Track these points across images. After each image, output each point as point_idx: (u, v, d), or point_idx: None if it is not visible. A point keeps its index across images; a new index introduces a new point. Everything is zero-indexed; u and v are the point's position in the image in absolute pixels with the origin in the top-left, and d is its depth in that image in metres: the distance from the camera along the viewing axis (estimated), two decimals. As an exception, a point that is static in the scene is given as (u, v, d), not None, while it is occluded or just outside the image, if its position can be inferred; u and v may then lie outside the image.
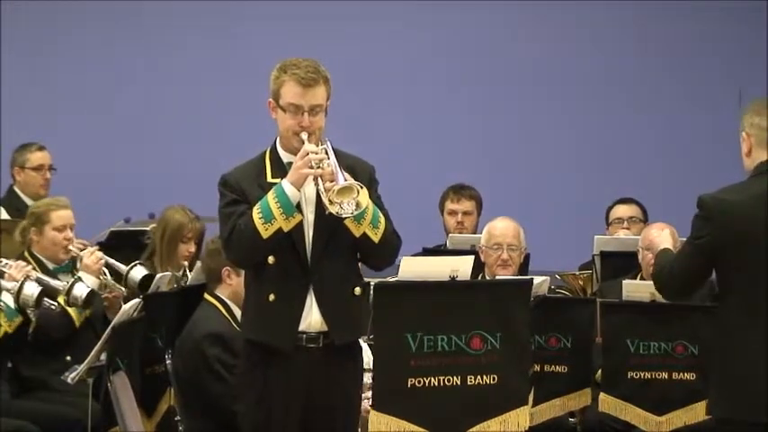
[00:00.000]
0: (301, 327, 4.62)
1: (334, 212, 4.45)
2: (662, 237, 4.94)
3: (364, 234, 4.59)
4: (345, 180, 4.47)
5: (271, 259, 4.61)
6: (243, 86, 9.59)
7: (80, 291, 5.90)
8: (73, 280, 5.95)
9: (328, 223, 4.58)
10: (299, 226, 4.59)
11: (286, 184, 4.55)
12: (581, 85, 9.84)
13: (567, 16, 9.87)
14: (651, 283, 5.59)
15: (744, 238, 4.36)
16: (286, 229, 4.55)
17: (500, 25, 9.91)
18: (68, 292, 5.88)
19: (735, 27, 9.82)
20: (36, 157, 7.85)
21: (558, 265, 7.34)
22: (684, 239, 4.55)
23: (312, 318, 4.62)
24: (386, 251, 4.64)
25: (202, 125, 9.73)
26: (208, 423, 5.73)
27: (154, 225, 6.98)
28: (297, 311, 4.62)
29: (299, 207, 4.57)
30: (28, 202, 7.50)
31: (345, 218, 4.49)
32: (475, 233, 7.52)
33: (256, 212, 4.55)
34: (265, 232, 4.53)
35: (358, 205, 4.45)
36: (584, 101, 9.83)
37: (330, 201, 4.44)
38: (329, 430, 4.67)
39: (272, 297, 4.62)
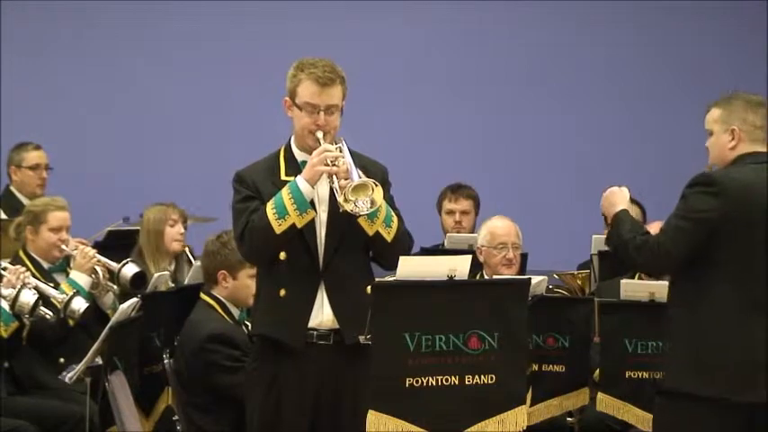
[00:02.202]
0: (312, 324, 4.66)
1: (348, 210, 4.47)
2: (621, 195, 4.80)
3: (377, 233, 4.63)
4: (360, 177, 4.49)
5: (282, 255, 4.64)
6: (243, 86, 9.63)
7: (78, 305, 5.90)
8: (71, 294, 5.94)
9: (341, 222, 4.62)
10: (311, 225, 4.62)
11: (300, 181, 4.58)
12: (580, 84, 9.84)
13: (567, 16, 9.87)
14: (649, 282, 5.62)
15: (756, 219, 4.39)
16: (299, 225, 4.58)
17: (500, 24, 9.91)
18: (66, 305, 5.88)
19: (735, 27, 9.82)
20: (32, 157, 7.85)
21: (556, 265, 7.34)
22: (676, 216, 4.48)
23: (323, 315, 4.66)
24: (398, 250, 4.64)
25: (201, 125, 9.73)
26: (219, 417, 5.72)
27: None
28: (307, 308, 4.65)
29: (312, 205, 4.59)
30: (24, 201, 7.50)
31: (360, 216, 4.51)
32: (473, 232, 7.53)
33: (270, 208, 4.57)
34: (279, 227, 4.55)
35: (373, 203, 4.47)
36: (583, 100, 9.83)
37: (345, 198, 4.46)
38: (338, 428, 4.67)
39: (282, 292, 4.65)
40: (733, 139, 4.53)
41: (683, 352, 4.45)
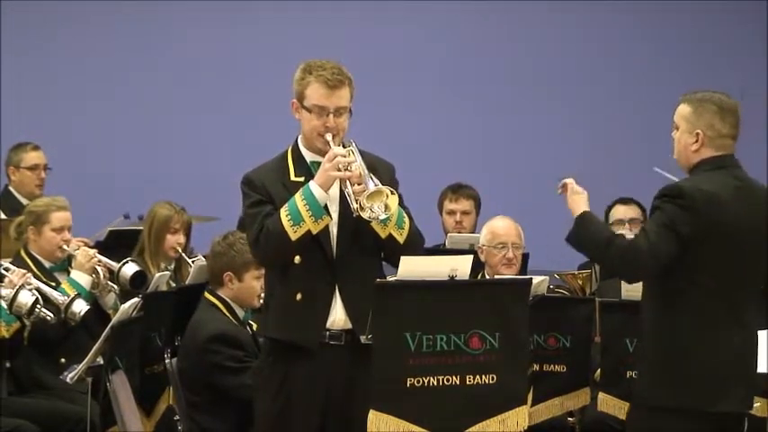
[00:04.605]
0: (326, 325, 4.66)
1: (365, 216, 4.48)
2: (582, 199, 4.75)
3: (390, 235, 4.63)
4: (375, 184, 4.50)
5: (297, 259, 4.63)
6: (243, 86, 9.63)
7: (79, 307, 5.92)
8: (72, 296, 5.95)
9: (352, 223, 4.62)
10: (325, 226, 4.61)
11: (314, 187, 4.57)
12: (581, 84, 9.83)
13: (568, 16, 9.86)
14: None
15: (727, 230, 4.39)
16: (315, 232, 4.58)
17: (500, 24, 9.91)
18: (67, 307, 5.89)
19: (735, 27, 9.82)
20: (31, 157, 7.85)
21: (556, 265, 7.33)
22: (653, 223, 4.46)
23: (336, 316, 4.66)
24: (410, 251, 4.64)
25: (202, 125, 9.73)
26: (222, 417, 5.72)
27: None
28: (323, 310, 4.65)
29: (326, 210, 4.59)
30: (23, 201, 7.52)
31: (373, 220, 4.51)
32: (473, 232, 7.53)
33: (285, 214, 4.56)
34: (294, 234, 4.55)
35: (387, 208, 4.47)
36: (584, 100, 9.83)
37: (361, 206, 4.46)
38: (348, 428, 4.66)
39: (299, 296, 4.65)
40: (696, 141, 4.52)
41: (656, 362, 4.46)
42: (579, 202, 4.74)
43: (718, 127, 4.50)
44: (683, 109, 4.59)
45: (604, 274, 6.79)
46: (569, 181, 4.83)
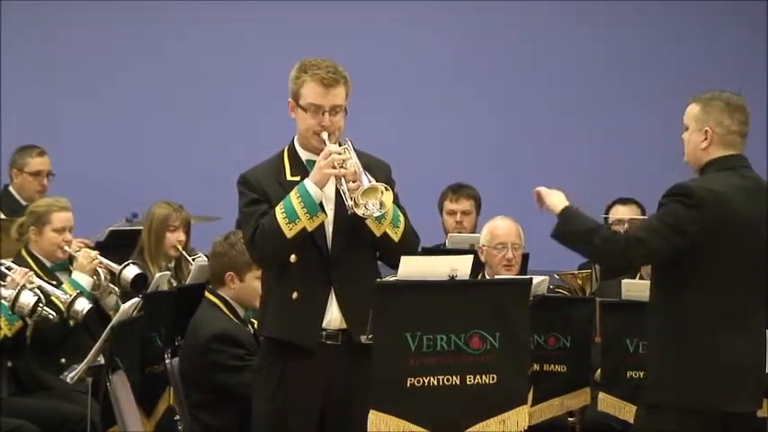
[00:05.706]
0: (322, 324, 4.66)
1: (359, 214, 4.48)
2: (558, 196, 4.72)
3: (385, 233, 4.64)
4: (369, 181, 4.50)
5: (293, 258, 4.64)
6: (243, 86, 9.62)
7: (81, 305, 5.93)
8: (74, 295, 5.96)
9: (348, 221, 4.62)
10: (320, 225, 4.62)
11: (309, 184, 4.58)
12: (581, 84, 9.83)
13: (568, 16, 9.86)
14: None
15: (735, 230, 4.40)
16: (310, 229, 4.58)
17: (501, 24, 9.91)
18: (69, 306, 5.90)
19: (735, 27, 9.82)
20: (36, 163, 7.84)
21: (557, 265, 7.33)
22: (654, 218, 4.50)
23: (332, 315, 4.67)
24: (406, 250, 4.64)
25: (203, 126, 9.73)
26: (225, 415, 5.72)
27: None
28: (319, 309, 4.66)
29: (321, 207, 4.59)
30: (23, 202, 7.52)
31: (368, 218, 4.52)
32: (474, 232, 7.53)
33: (280, 212, 4.57)
34: (289, 232, 4.56)
35: (382, 205, 4.48)
36: (583, 100, 9.83)
37: (356, 203, 4.46)
38: (347, 428, 4.66)
39: (295, 295, 4.65)
40: (705, 139, 4.53)
41: (665, 362, 4.47)
42: (556, 200, 4.70)
43: (726, 123, 4.51)
44: (692, 109, 4.61)
45: (604, 273, 6.80)
46: (539, 189, 4.77)
